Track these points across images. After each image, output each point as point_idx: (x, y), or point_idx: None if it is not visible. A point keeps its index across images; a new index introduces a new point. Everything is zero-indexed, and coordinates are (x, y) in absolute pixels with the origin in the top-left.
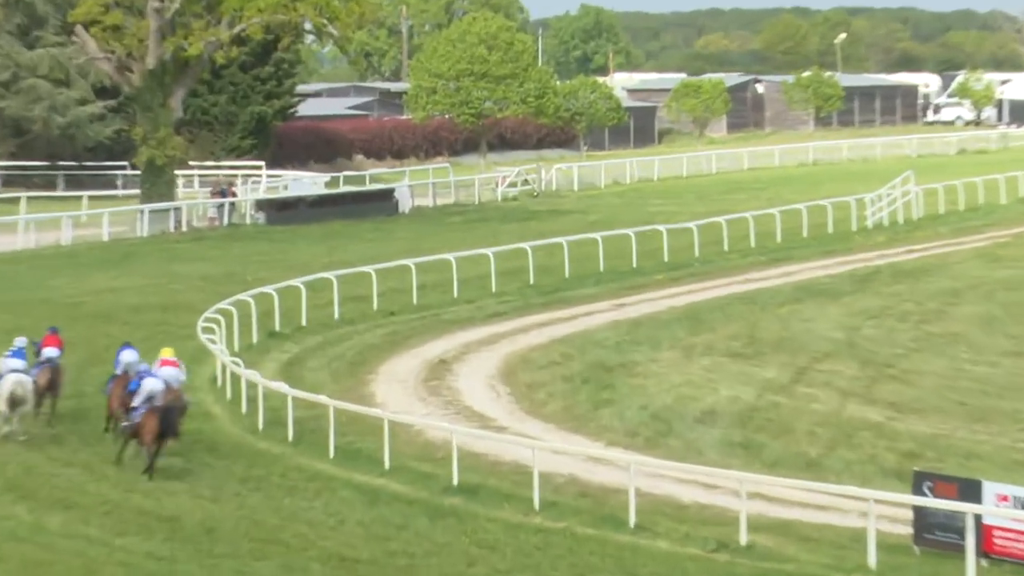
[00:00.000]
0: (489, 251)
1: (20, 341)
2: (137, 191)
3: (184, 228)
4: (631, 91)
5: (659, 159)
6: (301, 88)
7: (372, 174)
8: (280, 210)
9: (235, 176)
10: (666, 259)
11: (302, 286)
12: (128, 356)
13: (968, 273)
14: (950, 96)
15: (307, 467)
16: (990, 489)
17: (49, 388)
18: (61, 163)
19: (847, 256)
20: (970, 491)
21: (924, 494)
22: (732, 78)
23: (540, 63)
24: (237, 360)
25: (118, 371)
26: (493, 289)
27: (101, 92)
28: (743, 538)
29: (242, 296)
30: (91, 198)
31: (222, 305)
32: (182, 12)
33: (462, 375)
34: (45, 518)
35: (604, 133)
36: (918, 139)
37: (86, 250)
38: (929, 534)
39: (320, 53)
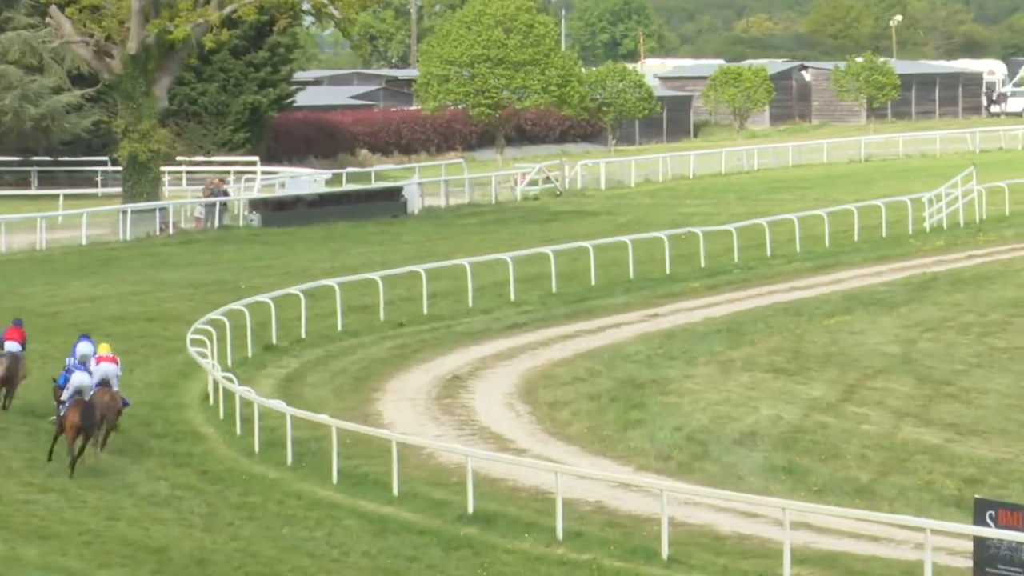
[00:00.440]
0: (507, 256)
1: None
2: (118, 189)
3: (171, 230)
4: (664, 79)
5: (695, 154)
6: (299, 75)
7: (378, 171)
8: (277, 210)
9: (227, 173)
10: (702, 265)
11: (301, 294)
12: (84, 348)
13: None
14: (1017, 85)
15: (308, 493)
16: None
17: (5, 382)
18: (34, 159)
19: (902, 262)
20: None
21: (986, 524)
22: (776, 64)
23: (563, 48)
24: (230, 376)
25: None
26: (512, 298)
27: (78, 80)
28: (787, 571)
29: (235, 305)
30: (68, 197)
31: (213, 315)
32: None
33: (478, 392)
34: (20, 549)
35: (634, 126)
36: (981, 132)
37: (62, 255)
38: (991, 568)
39: (320, 37)
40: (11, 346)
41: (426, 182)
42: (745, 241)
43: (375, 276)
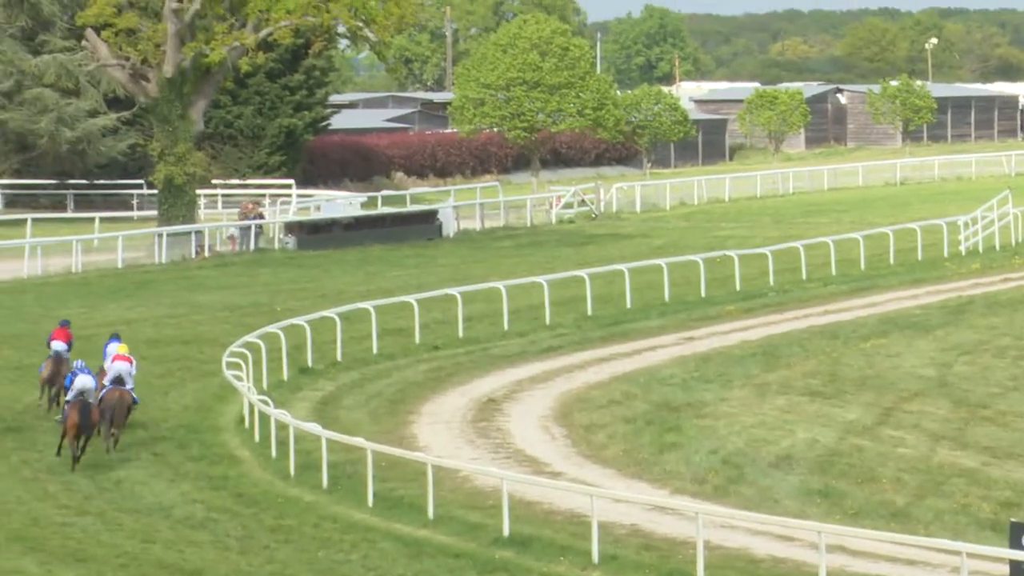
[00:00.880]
0: (543, 279)
1: None
2: (154, 212)
3: (206, 253)
4: (699, 102)
5: (730, 177)
6: (334, 98)
7: (413, 194)
8: (312, 233)
9: (262, 196)
10: (738, 288)
11: (337, 317)
12: (114, 349)
13: None
14: None
15: (343, 516)
16: None
17: (51, 381)
18: (70, 181)
19: (938, 285)
20: None
21: (1022, 547)
22: (811, 87)
23: (599, 71)
24: (266, 399)
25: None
26: (547, 321)
27: (114, 103)
28: None
29: (271, 328)
30: (103, 220)
31: (249, 338)
32: (203, 14)
33: (513, 415)
34: (57, 572)
35: (669, 148)
36: (1017, 155)
37: (98, 278)
38: None
39: (355, 60)
40: (57, 346)
41: (461, 205)
42: (780, 264)
43: (411, 299)
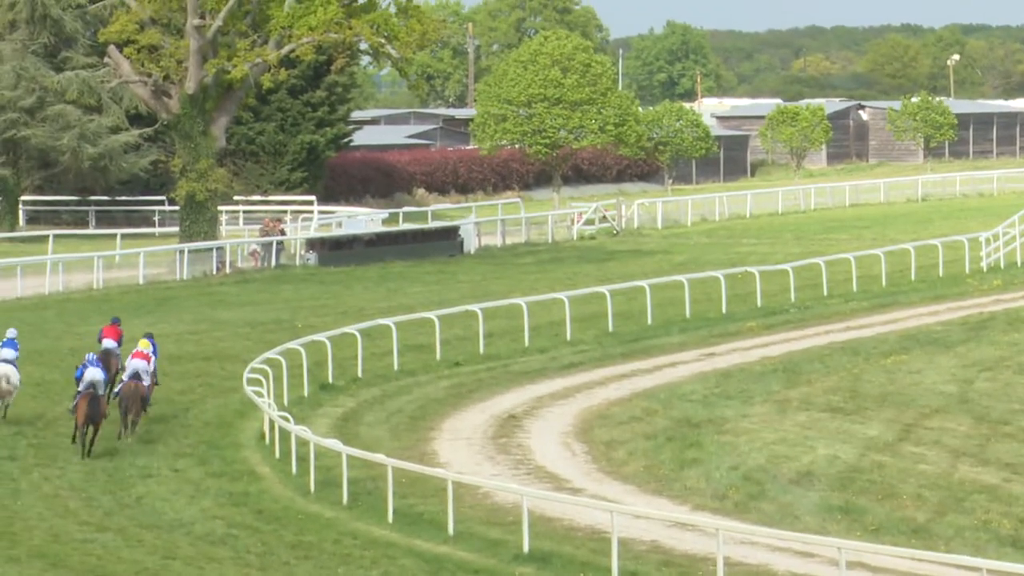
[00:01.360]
0: (564, 295)
1: (12, 332)
2: (176, 229)
3: (227, 270)
4: (721, 118)
5: (752, 194)
6: (356, 115)
7: (435, 210)
8: (333, 250)
9: (284, 212)
10: (759, 304)
11: (358, 333)
12: (145, 345)
13: None
14: None
15: (363, 533)
16: None
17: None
18: (92, 198)
19: (959, 301)
20: None
21: None
22: (833, 104)
23: (620, 87)
24: (286, 415)
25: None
26: (568, 337)
27: (136, 119)
28: None
29: (291, 344)
30: (125, 237)
31: (270, 355)
32: (225, 31)
33: (534, 432)
34: None
35: (691, 165)
36: None
37: (119, 294)
38: None
39: (377, 76)
40: (108, 343)
41: (483, 221)
42: (802, 280)
43: (432, 315)
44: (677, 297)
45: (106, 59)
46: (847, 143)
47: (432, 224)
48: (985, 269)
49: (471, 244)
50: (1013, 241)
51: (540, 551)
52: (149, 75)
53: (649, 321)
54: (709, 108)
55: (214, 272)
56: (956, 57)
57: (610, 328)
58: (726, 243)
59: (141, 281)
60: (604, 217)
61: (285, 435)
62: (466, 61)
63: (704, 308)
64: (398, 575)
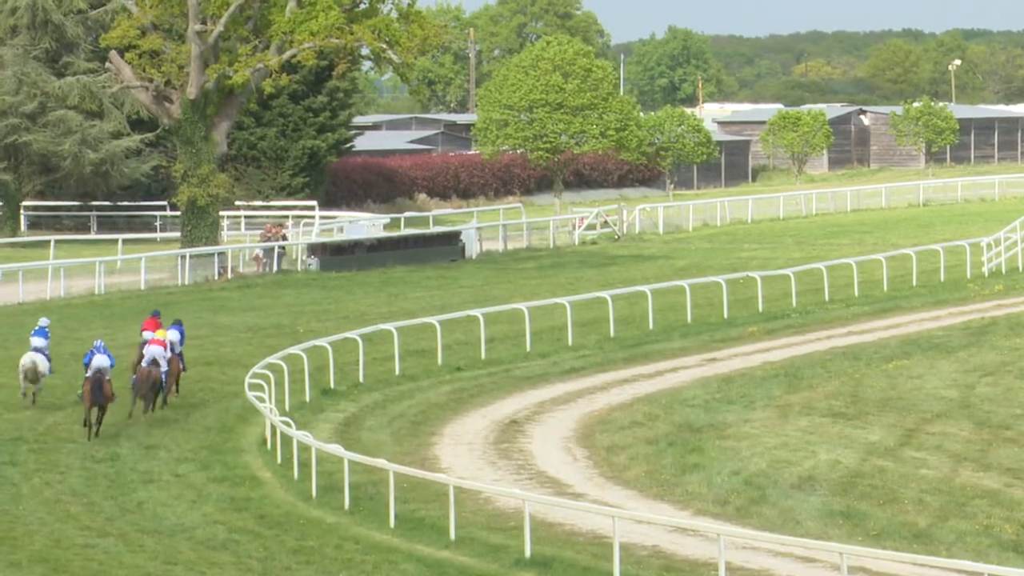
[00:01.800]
0: (565, 300)
1: (44, 321)
2: (177, 234)
3: (229, 275)
4: (722, 123)
5: (753, 199)
6: (358, 120)
7: (436, 215)
8: (335, 255)
9: (285, 217)
10: (760, 309)
11: (359, 338)
12: (172, 335)
13: None
14: None
15: (365, 538)
16: None
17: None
18: (94, 203)
19: (961, 306)
20: None
21: None
22: (834, 109)
23: (622, 92)
24: (288, 420)
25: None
26: (569, 342)
27: (137, 125)
28: None
29: (293, 349)
30: (127, 242)
31: (271, 360)
32: (226, 36)
33: (535, 437)
34: None
35: (692, 170)
36: None
37: (121, 299)
38: None
39: (378, 81)
40: (148, 335)
41: (484, 226)
42: (803, 285)
43: (433, 320)
44: (679, 302)
45: (107, 64)
46: (848, 148)
47: (434, 229)
48: (986, 274)
49: (473, 249)
50: (1014, 246)
51: (541, 556)
52: (150, 80)
53: (651, 326)
54: (710, 113)
55: (215, 277)
56: (957, 62)
57: (611, 333)
58: (727, 248)
59: (143, 286)
60: (606, 222)
61: (287, 440)
62: (467, 66)
63: (705, 313)
64: None
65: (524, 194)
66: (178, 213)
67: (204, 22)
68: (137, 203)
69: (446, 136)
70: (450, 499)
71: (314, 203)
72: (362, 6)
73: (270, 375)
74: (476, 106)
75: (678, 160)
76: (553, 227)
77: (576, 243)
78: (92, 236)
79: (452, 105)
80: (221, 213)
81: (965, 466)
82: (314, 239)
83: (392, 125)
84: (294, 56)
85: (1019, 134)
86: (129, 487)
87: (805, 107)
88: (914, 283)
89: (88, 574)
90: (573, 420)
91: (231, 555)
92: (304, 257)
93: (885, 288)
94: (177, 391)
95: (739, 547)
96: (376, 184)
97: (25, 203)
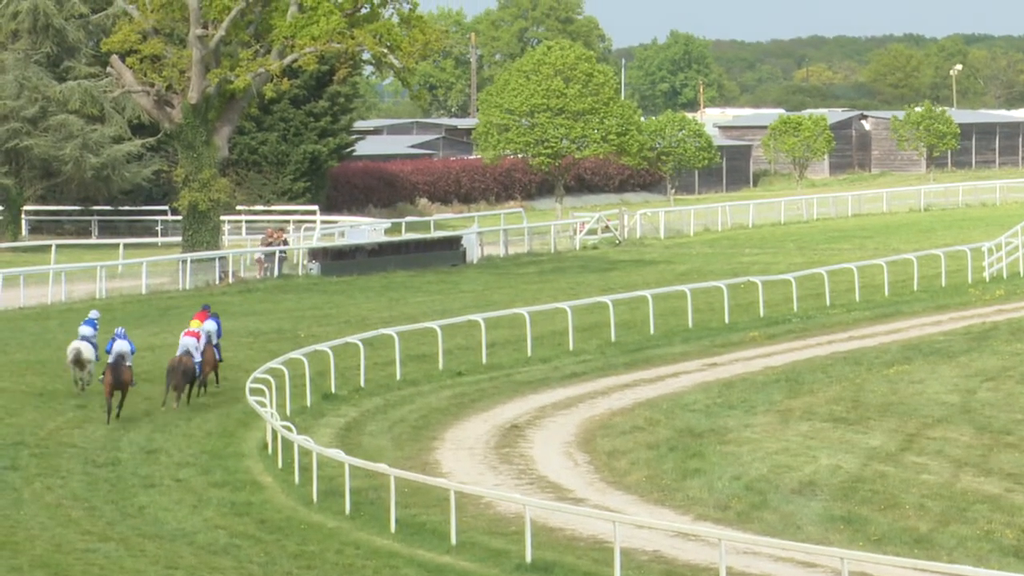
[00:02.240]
0: (566, 305)
1: (94, 313)
2: (178, 239)
3: (230, 279)
4: (724, 128)
5: (754, 204)
6: (359, 125)
7: (437, 220)
8: (336, 259)
9: (286, 222)
10: (762, 314)
11: (360, 343)
12: (209, 326)
13: None
14: None
15: (366, 543)
16: None
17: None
18: (95, 208)
19: (962, 311)
20: None
21: None
22: (835, 114)
23: (623, 97)
24: (289, 425)
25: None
26: (570, 347)
27: (138, 129)
28: None
29: (294, 354)
30: (128, 247)
31: (272, 364)
32: (228, 41)
33: (536, 442)
34: None
35: (694, 175)
36: None
37: (122, 304)
38: None
39: (379, 86)
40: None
41: (485, 231)
42: (804, 290)
43: (434, 325)
44: (679, 307)
45: (108, 69)
46: (849, 153)
47: (434, 234)
48: (988, 279)
49: (473, 254)
50: (1016, 251)
51: (543, 561)
52: (152, 85)
53: (651, 331)
54: (711, 118)
55: (216, 282)
56: (959, 67)
57: (612, 338)
58: (728, 253)
59: (144, 291)
60: (607, 227)
61: (288, 445)
62: (468, 71)
63: (706, 318)
64: None
65: (525, 199)
66: (179, 218)
67: (205, 26)
68: (138, 207)
69: (447, 141)
70: (451, 504)
71: (315, 208)
72: (363, 11)
73: (271, 380)
74: (477, 111)
75: (679, 165)
76: (554, 232)
77: (577, 248)
78: (93, 240)
79: (453, 110)
80: (222, 218)
81: (966, 471)
82: (315, 244)
83: (393, 130)
84: (295, 61)
85: (1020, 139)
86: (130, 492)
87: (806, 112)
88: (915, 288)
89: None
90: (574, 425)
91: (232, 560)
92: (305, 262)
93: (886, 293)
94: (217, 382)
95: (740, 552)
96: (377, 189)
97: (26, 208)
